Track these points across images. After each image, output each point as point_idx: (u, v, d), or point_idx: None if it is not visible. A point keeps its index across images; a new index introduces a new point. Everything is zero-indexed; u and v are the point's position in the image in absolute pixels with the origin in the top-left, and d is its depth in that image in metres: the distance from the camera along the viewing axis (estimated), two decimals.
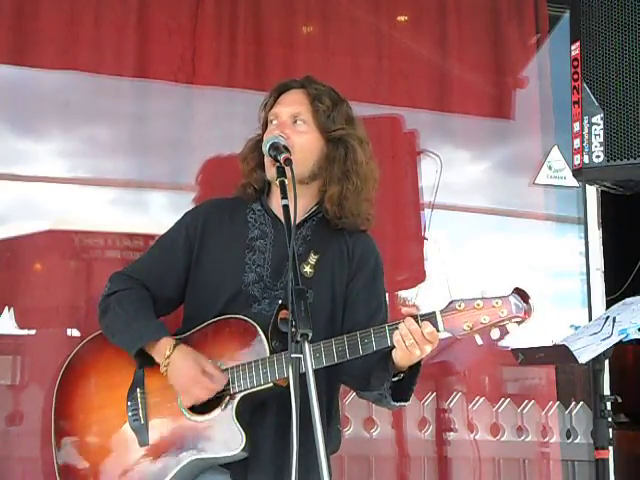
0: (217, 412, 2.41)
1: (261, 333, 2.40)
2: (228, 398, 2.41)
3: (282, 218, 2.48)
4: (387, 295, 2.69)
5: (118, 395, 2.52)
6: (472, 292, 3.74)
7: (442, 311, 2.26)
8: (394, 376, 2.35)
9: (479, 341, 2.25)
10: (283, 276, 2.50)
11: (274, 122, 2.58)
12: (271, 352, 2.39)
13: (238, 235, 2.58)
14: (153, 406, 2.49)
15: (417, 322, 2.24)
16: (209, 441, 2.41)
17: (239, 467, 2.43)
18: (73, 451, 2.55)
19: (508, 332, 2.24)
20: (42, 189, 3.46)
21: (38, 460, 3.10)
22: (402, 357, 2.27)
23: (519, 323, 2.23)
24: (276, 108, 2.61)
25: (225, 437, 2.38)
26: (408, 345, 2.23)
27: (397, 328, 2.26)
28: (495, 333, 2.23)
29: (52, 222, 3.40)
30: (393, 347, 2.28)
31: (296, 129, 2.55)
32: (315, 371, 2.23)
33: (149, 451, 2.47)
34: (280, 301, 2.41)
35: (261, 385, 2.38)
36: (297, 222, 2.42)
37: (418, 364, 2.34)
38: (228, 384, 2.41)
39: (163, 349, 2.43)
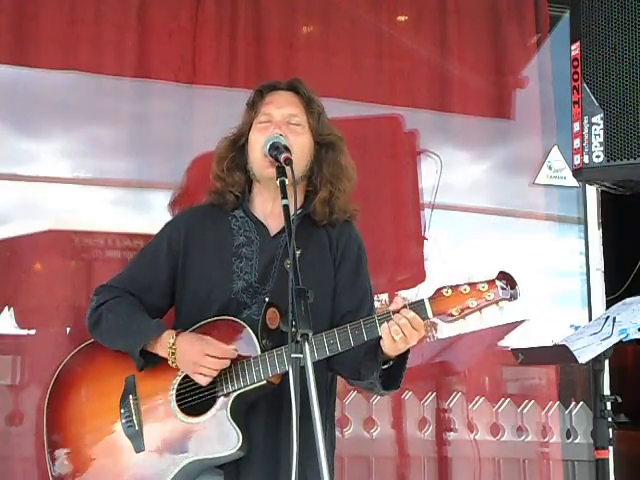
0: (212, 413, 2.41)
1: (251, 332, 2.41)
2: (222, 398, 2.41)
3: (266, 223, 2.57)
4: (385, 291, 2.71)
5: (110, 403, 2.52)
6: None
7: (430, 298, 2.29)
8: (384, 364, 2.37)
9: (468, 325, 2.29)
10: (270, 279, 2.52)
11: (264, 122, 2.58)
12: (262, 350, 2.40)
13: (223, 243, 2.58)
14: (146, 411, 2.49)
15: (405, 307, 2.28)
16: (206, 442, 2.40)
17: (232, 468, 2.43)
18: (68, 463, 2.54)
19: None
20: (43, 189, 3.46)
21: (38, 460, 3.11)
22: (390, 348, 2.30)
23: (509, 300, 2.27)
24: (268, 108, 2.60)
25: (222, 437, 2.38)
26: (397, 339, 2.26)
27: (386, 319, 2.29)
28: (483, 317, 2.28)
29: (52, 222, 3.40)
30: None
31: (292, 130, 2.56)
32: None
33: (146, 457, 2.46)
34: (267, 299, 2.42)
35: (254, 383, 2.38)
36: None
37: (407, 351, 2.36)
38: (221, 385, 2.41)
39: (166, 341, 2.44)
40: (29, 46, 3.40)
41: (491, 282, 2.27)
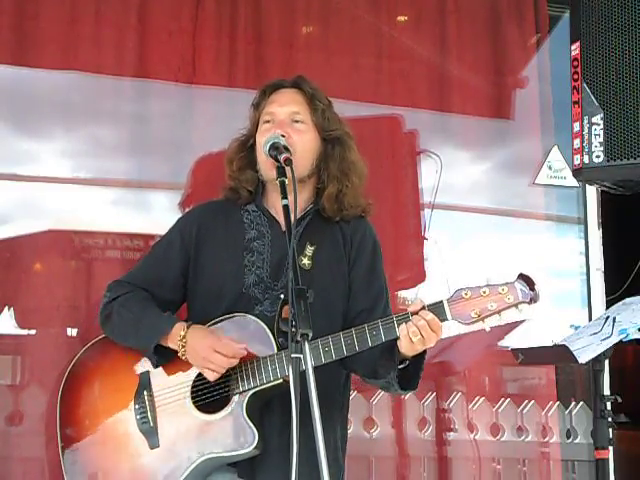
0: (228, 410, 2.40)
1: (267, 330, 2.40)
2: (238, 396, 2.40)
3: (279, 218, 2.53)
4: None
5: (124, 399, 2.51)
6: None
7: (449, 300, 2.28)
8: (400, 363, 2.36)
9: (487, 328, 2.27)
10: (283, 275, 2.50)
11: (269, 121, 2.57)
12: (278, 349, 2.39)
13: (235, 237, 2.57)
14: (161, 408, 2.47)
15: (424, 309, 2.27)
16: (221, 440, 2.39)
17: (246, 465, 2.42)
18: (81, 458, 2.53)
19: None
20: (43, 189, 3.46)
21: (38, 460, 3.11)
22: (407, 349, 2.29)
23: (529, 304, 2.26)
24: (271, 107, 2.59)
25: (237, 435, 2.37)
26: (415, 341, 2.26)
27: (404, 320, 2.28)
28: (502, 319, 2.27)
29: (52, 222, 3.41)
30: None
31: (295, 128, 2.55)
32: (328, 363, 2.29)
33: (160, 453, 2.45)
34: (282, 296, 2.40)
35: (270, 382, 2.38)
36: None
37: (424, 351, 2.35)
38: (237, 383, 2.40)
39: (177, 333, 2.42)
40: (29, 46, 3.41)
41: (511, 284, 2.26)
